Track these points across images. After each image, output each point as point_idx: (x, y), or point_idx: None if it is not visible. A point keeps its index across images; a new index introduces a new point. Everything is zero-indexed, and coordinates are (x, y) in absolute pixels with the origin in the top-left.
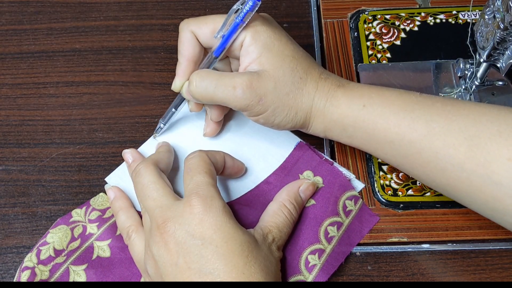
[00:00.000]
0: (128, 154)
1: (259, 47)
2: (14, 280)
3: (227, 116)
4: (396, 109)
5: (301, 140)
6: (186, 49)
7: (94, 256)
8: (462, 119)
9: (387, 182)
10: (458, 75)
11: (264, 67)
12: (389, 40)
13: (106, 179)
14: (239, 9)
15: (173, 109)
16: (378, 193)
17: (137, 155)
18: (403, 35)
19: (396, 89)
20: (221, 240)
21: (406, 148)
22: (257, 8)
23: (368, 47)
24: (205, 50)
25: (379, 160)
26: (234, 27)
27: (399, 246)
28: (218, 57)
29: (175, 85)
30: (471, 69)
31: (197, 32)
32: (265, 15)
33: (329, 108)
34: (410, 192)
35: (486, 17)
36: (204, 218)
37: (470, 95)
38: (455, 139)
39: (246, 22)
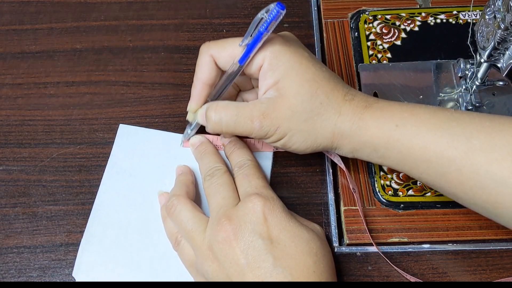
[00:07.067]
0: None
1: (277, 73)
2: None
3: None
4: (432, 127)
5: None
6: (203, 73)
7: None
8: (504, 134)
9: (388, 182)
10: (459, 75)
11: (281, 92)
12: (389, 40)
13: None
14: (263, 17)
15: (189, 131)
16: (378, 193)
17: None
18: (403, 35)
19: (427, 105)
20: (288, 239)
21: (445, 167)
22: (281, 17)
23: (368, 47)
24: (222, 73)
25: None
26: (258, 36)
27: (399, 246)
28: (243, 65)
29: (191, 108)
30: (472, 69)
31: (216, 56)
32: (287, 33)
33: (357, 131)
34: (410, 192)
35: (487, 17)
36: (268, 218)
37: (471, 95)
38: (498, 154)
39: (271, 31)
